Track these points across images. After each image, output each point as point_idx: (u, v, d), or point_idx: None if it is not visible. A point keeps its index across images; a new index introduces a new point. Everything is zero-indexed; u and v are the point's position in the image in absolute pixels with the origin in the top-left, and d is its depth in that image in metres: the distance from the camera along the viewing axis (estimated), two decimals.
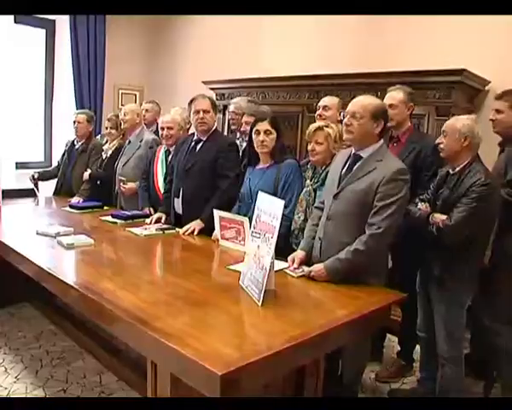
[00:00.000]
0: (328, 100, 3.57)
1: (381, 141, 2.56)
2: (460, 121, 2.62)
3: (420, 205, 2.73)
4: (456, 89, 3.62)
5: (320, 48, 4.84)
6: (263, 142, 3.08)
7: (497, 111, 2.98)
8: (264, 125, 3.08)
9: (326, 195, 2.69)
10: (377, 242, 2.40)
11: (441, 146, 2.66)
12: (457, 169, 2.62)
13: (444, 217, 2.56)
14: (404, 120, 3.16)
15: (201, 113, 3.42)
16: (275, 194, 2.83)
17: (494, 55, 3.80)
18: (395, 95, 3.15)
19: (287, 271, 2.56)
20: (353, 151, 2.60)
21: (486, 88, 3.90)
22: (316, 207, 2.80)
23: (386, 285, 2.51)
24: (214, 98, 4.26)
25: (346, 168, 2.59)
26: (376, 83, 3.92)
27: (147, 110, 4.72)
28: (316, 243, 2.65)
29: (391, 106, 3.04)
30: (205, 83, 5.27)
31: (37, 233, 3.12)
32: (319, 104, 3.57)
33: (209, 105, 3.45)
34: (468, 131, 2.57)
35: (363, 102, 2.52)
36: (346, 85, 4.08)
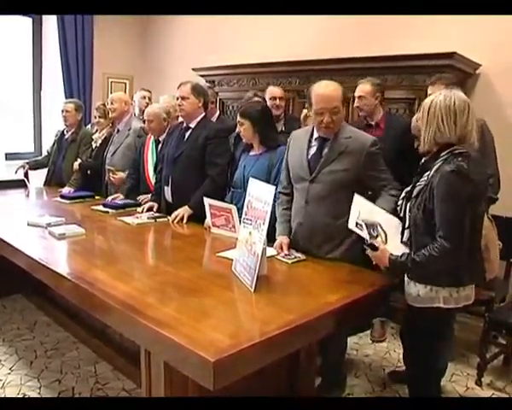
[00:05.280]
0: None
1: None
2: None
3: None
4: (447, 72, 3.61)
5: (311, 33, 4.81)
6: (240, 132, 3.18)
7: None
8: (238, 117, 3.15)
9: (295, 179, 2.71)
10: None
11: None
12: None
13: None
14: (375, 108, 3.45)
15: (180, 99, 3.42)
16: (268, 181, 2.82)
17: (485, 39, 3.78)
18: (363, 87, 3.46)
19: (279, 257, 2.56)
20: (316, 134, 2.65)
21: (477, 72, 3.90)
22: (281, 193, 2.81)
23: None
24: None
25: (313, 152, 2.63)
26: (367, 67, 3.90)
27: (149, 98, 4.75)
28: (296, 227, 2.68)
29: (360, 97, 3.44)
30: (194, 70, 5.23)
31: (29, 224, 3.10)
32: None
33: (188, 91, 3.40)
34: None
35: (338, 93, 2.54)
36: (337, 71, 4.06)
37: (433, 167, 2.12)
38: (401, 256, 2.17)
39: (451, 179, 2.03)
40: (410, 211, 2.22)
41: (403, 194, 2.32)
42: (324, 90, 2.54)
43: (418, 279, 2.21)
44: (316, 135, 2.65)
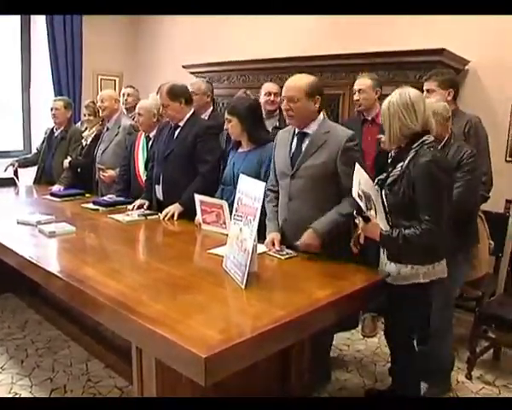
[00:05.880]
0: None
1: (322, 114, 2.66)
2: (441, 107, 2.69)
3: None
4: (437, 68, 3.63)
5: (301, 30, 4.81)
6: (228, 130, 3.18)
7: (429, 91, 3.10)
8: (226, 114, 3.15)
9: (280, 176, 2.74)
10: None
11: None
12: (439, 147, 2.66)
13: None
14: (374, 102, 3.51)
15: (162, 107, 3.50)
16: (257, 177, 2.82)
17: (474, 35, 3.82)
18: (363, 81, 3.51)
19: (272, 253, 2.57)
20: (296, 130, 2.67)
21: (466, 68, 3.92)
22: (269, 190, 2.83)
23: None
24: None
25: (294, 147, 2.66)
26: (357, 64, 3.92)
27: (129, 94, 4.68)
28: (282, 224, 2.70)
29: (359, 91, 3.49)
30: (184, 67, 5.22)
31: (18, 222, 3.09)
32: None
33: (165, 98, 3.41)
34: (447, 112, 2.70)
35: (296, 84, 2.59)
36: (327, 67, 4.07)
37: (407, 158, 2.29)
38: (392, 232, 2.28)
39: (431, 168, 2.21)
40: (386, 197, 2.38)
41: (375, 181, 2.45)
42: (289, 80, 2.63)
43: (399, 260, 2.35)
44: (297, 131, 2.68)
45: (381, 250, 2.46)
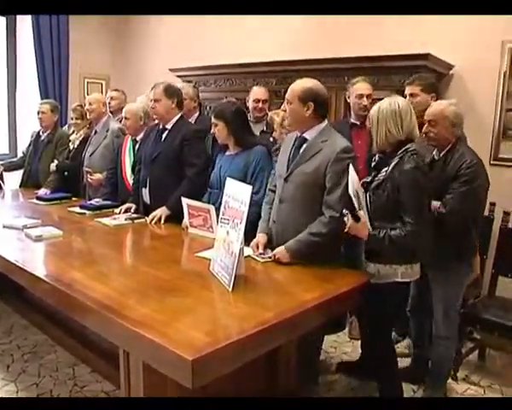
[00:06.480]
0: None
1: (325, 122, 2.64)
2: (445, 109, 2.68)
3: None
4: (421, 73, 3.67)
5: (287, 34, 4.84)
6: (214, 133, 3.20)
7: (412, 95, 3.12)
8: (212, 118, 3.18)
9: (277, 178, 2.76)
10: (336, 224, 2.47)
11: (431, 135, 2.71)
12: (442, 154, 2.69)
13: (438, 203, 2.63)
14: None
15: (153, 102, 3.44)
16: (244, 180, 2.84)
17: (458, 40, 3.86)
18: (366, 86, 3.44)
19: (252, 255, 2.59)
20: (299, 134, 2.68)
21: (451, 72, 3.97)
22: (270, 190, 2.87)
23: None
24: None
25: (293, 151, 2.67)
26: (343, 68, 3.96)
27: (112, 98, 4.65)
28: (271, 224, 2.72)
29: (368, 96, 3.42)
30: (171, 70, 5.22)
31: (4, 226, 3.07)
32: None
33: (160, 93, 3.40)
34: (456, 117, 2.66)
35: (293, 87, 2.62)
36: (313, 71, 4.07)
37: (391, 163, 2.41)
38: (379, 233, 2.39)
39: (415, 174, 2.34)
40: (370, 199, 2.49)
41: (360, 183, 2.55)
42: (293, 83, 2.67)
43: (379, 260, 2.46)
44: (298, 134, 2.69)
45: (361, 251, 2.58)
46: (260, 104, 3.90)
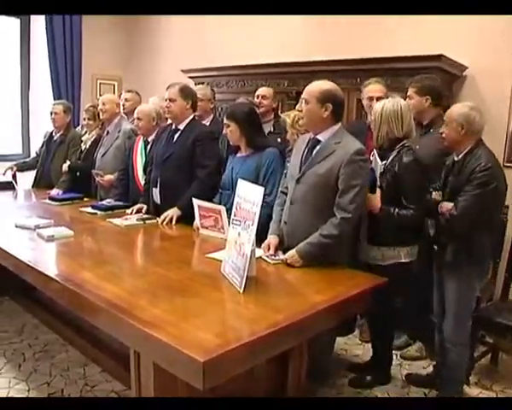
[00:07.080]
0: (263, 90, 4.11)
1: (339, 124, 2.64)
2: (455, 110, 2.67)
3: (433, 194, 2.80)
4: (434, 74, 3.64)
5: (298, 35, 4.84)
6: (227, 134, 3.20)
7: (409, 97, 3.13)
8: (224, 119, 3.17)
9: (289, 179, 2.76)
10: (348, 225, 2.49)
11: (443, 136, 2.71)
12: (460, 156, 2.67)
13: (450, 205, 2.62)
14: None
15: (167, 101, 3.43)
16: (256, 182, 2.83)
17: (471, 41, 3.83)
18: (379, 87, 3.42)
19: (263, 257, 2.58)
20: (312, 135, 2.67)
21: (464, 74, 3.94)
22: (281, 192, 2.87)
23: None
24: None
25: (306, 153, 2.66)
26: (354, 69, 3.94)
27: (126, 99, 4.66)
28: (282, 226, 2.72)
29: (379, 98, 3.24)
30: (183, 71, 5.23)
31: (17, 226, 3.08)
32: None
33: (176, 93, 3.40)
34: (464, 119, 2.61)
35: (311, 88, 2.62)
36: (325, 72, 4.06)
37: (390, 157, 2.70)
38: (390, 209, 2.64)
39: (414, 166, 2.64)
40: None
41: None
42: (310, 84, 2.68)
43: (382, 243, 2.74)
44: (312, 136, 2.68)
45: (361, 237, 2.80)
46: (259, 99, 4.04)
